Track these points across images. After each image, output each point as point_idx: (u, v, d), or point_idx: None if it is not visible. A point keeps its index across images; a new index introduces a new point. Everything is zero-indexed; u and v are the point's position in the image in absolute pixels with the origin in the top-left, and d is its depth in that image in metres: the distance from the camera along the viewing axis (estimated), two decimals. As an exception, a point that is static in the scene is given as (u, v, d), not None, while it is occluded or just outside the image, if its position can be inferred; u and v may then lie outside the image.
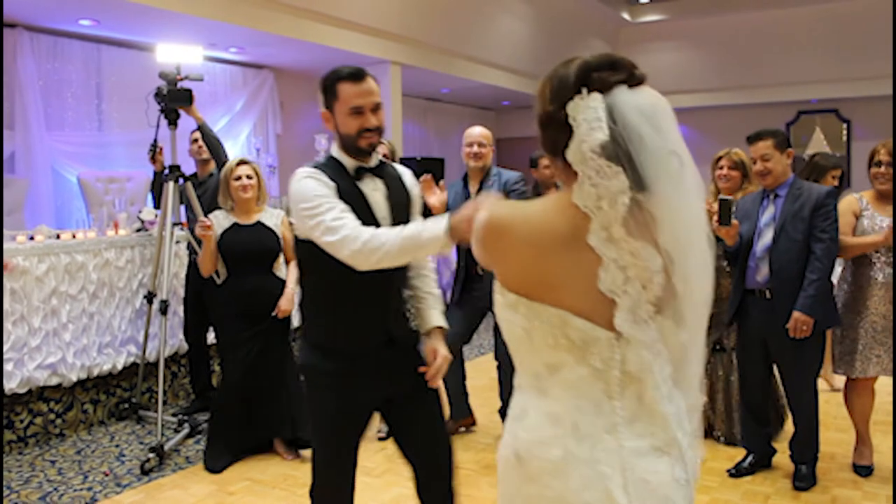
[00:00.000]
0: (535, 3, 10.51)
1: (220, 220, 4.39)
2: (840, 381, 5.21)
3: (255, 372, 4.30)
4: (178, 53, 5.12)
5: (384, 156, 4.60)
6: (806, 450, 3.91)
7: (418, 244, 2.12)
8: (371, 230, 2.18)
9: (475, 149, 4.55)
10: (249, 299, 4.33)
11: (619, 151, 1.31)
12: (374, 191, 2.41)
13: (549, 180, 5.36)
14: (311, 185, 2.30)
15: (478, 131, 4.61)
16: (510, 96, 12.10)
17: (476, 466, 4.27)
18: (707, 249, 1.39)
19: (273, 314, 4.33)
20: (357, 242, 2.15)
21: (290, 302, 4.36)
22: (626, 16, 12.69)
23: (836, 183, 4.90)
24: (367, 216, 2.32)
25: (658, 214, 1.34)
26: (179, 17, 6.30)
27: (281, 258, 4.52)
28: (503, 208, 1.45)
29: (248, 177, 4.38)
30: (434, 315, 2.56)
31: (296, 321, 5.09)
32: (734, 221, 3.82)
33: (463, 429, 4.86)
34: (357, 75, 2.35)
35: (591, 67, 1.40)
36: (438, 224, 2.09)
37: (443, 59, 9.46)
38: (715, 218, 3.83)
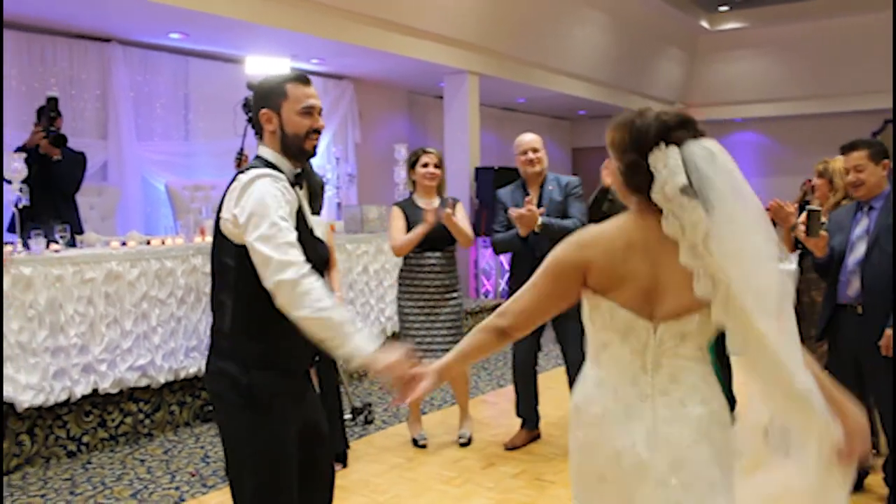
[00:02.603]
0: (613, 11, 10.43)
1: None
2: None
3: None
4: (266, 65, 5.26)
5: (435, 165, 4.67)
6: (901, 472, 3.77)
7: (337, 337, 2.05)
8: (315, 283, 2.09)
9: (530, 155, 4.63)
10: None
11: (693, 191, 1.72)
12: (304, 198, 2.39)
13: None
14: (274, 198, 2.16)
15: (529, 138, 4.70)
16: (586, 106, 12.03)
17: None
18: (766, 247, 1.74)
19: None
20: (295, 290, 2.06)
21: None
22: (704, 24, 12.48)
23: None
24: (305, 230, 2.29)
25: (719, 230, 1.72)
26: (264, 30, 6.46)
27: None
28: (589, 229, 1.90)
29: None
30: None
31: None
32: (822, 233, 3.72)
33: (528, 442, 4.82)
34: (305, 79, 2.35)
35: (670, 127, 1.78)
36: (366, 347, 2.05)
37: (520, 69, 9.47)
38: (803, 228, 3.74)
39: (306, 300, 2.06)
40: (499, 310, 1.95)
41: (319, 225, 4.52)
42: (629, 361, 1.83)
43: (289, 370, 2.31)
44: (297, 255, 2.11)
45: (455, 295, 4.75)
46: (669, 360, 1.81)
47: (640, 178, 1.79)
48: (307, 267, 2.10)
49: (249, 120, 5.06)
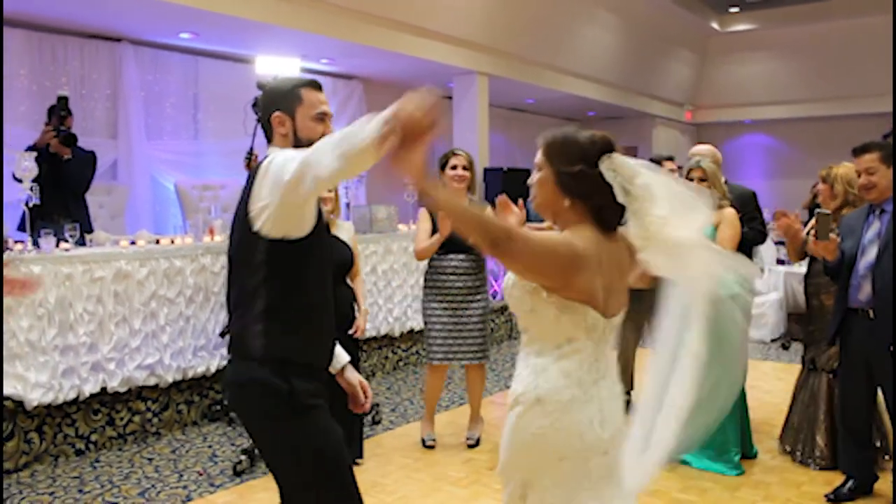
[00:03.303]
0: (622, 12, 10.41)
1: None
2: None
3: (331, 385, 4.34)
4: (276, 65, 5.27)
5: (464, 167, 4.66)
6: (911, 477, 3.75)
7: (354, 132, 2.02)
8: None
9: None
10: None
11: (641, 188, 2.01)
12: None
13: None
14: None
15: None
16: (596, 107, 12.01)
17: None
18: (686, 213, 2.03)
19: (350, 332, 4.26)
20: (315, 152, 2.04)
21: (365, 321, 4.38)
22: (715, 25, 12.45)
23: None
24: (322, 228, 2.31)
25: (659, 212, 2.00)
26: (274, 30, 6.48)
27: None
28: (582, 236, 2.03)
29: (329, 189, 4.45)
30: (340, 351, 2.52)
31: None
32: (832, 236, 3.70)
33: None
34: (319, 85, 2.36)
35: (608, 142, 2.07)
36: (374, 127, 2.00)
37: (529, 70, 9.46)
38: (812, 232, 3.72)
39: (328, 148, 2.00)
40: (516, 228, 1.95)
41: (346, 229, 4.53)
42: (590, 352, 2.07)
43: (320, 368, 2.33)
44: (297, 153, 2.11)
45: (480, 298, 4.72)
46: (606, 348, 2.13)
47: (586, 186, 2.04)
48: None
49: (259, 120, 5.07)
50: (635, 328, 5.19)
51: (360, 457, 4.43)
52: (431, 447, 4.75)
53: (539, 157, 2.11)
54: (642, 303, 5.12)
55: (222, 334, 5.21)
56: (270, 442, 2.26)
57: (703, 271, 1.99)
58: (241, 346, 2.26)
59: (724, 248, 4.13)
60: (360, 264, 5.75)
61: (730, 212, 4.28)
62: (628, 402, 5.00)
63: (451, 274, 4.65)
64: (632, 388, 5.02)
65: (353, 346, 4.34)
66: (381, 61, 8.09)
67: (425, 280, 4.80)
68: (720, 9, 12.21)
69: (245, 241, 2.22)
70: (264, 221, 2.16)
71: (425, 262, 4.80)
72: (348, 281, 4.40)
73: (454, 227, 2.09)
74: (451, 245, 4.57)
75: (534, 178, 2.13)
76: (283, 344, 2.22)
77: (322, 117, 2.33)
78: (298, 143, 2.29)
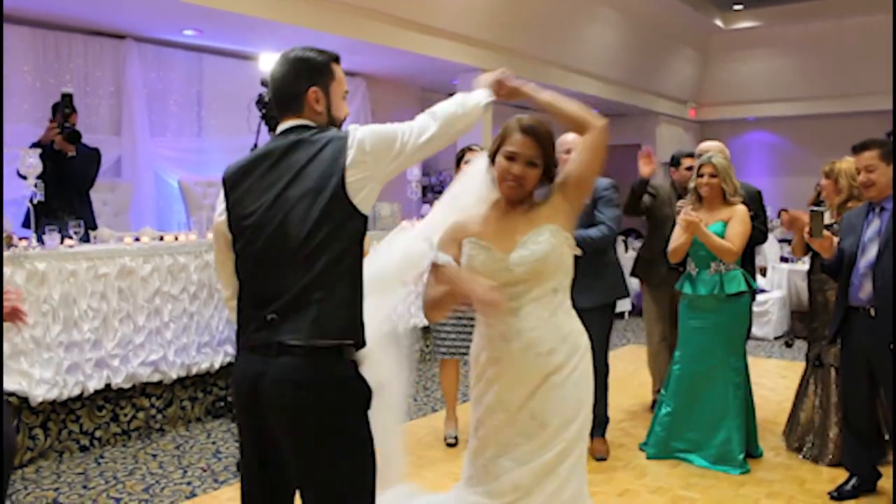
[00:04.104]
0: (626, 9, 10.40)
1: None
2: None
3: None
4: (280, 62, 5.26)
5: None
6: (914, 475, 3.75)
7: (461, 102, 2.33)
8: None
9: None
10: None
11: None
12: None
13: (685, 181, 4.95)
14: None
15: (571, 138, 4.55)
16: (599, 104, 11.96)
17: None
18: None
19: None
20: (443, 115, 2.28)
21: None
22: (718, 22, 12.42)
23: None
24: None
25: None
26: (278, 27, 6.48)
27: None
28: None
29: None
30: None
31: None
32: (826, 233, 3.70)
33: None
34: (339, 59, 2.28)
35: None
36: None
37: (532, 67, 9.44)
38: (807, 230, 3.73)
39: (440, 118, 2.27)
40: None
41: None
42: None
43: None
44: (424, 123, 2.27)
45: None
46: None
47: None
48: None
49: (263, 116, 5.08)
50: (660, 322, 5.21)
51: None
52: (453, 445, 4.68)
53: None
54: (663, 299, 5.16)
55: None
56: (337, 445, 2.04)
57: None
58: (319, 335, 2.02)
59: (734, 244, 4.14)
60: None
61: (741, 208, 4.26)
62: (654, 402, 5.01)
63: None
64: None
65: None
66: (385, 58, 8.08)
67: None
68: (724, 6, 12.18)
69: (328, 219, 2.04)
70: (366, 195, 2.10)
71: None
72: None
73: (555, 114, 2.55)
74: None
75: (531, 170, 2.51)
76: (361, 331, 2.11)
77: (345, 96, 2.26)
78: (333, 123, 2.22)
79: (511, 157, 2.44)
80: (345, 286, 2.07)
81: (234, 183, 2.19)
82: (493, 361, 2.51)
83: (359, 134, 2.12)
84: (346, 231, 2.07)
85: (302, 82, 2.17)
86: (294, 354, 2.01)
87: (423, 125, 2.19)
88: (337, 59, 2.24)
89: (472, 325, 4.68)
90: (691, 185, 4.39)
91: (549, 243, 2.43)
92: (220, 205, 2.22)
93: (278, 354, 2.03)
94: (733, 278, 4.23)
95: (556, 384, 2.44)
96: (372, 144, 2.11)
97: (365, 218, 2.11)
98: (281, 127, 2.22)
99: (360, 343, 2.11)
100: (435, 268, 2.44)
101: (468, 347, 4.62)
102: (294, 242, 2.04)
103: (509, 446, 2.46)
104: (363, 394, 2.09)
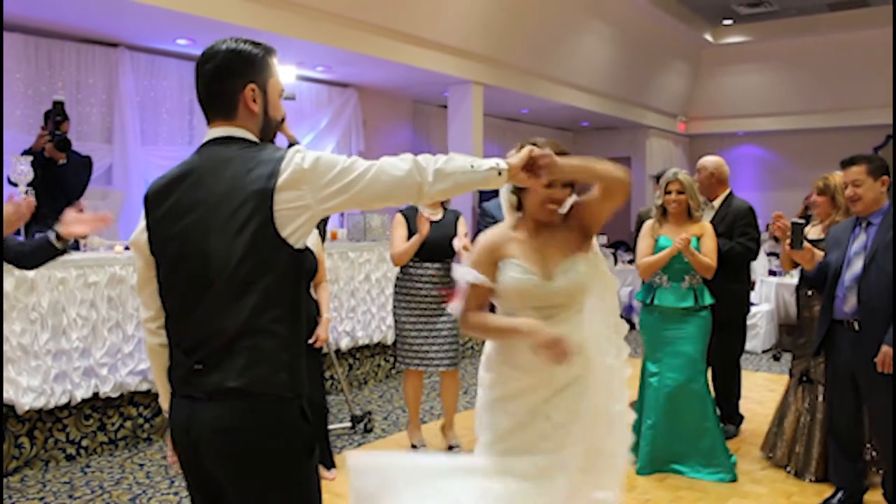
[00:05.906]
0: (617, 24, 10.47)
1: None
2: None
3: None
4: (272, 73, 5.27)
5: None
6: (900, 488, 3.76)
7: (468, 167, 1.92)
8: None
9: None
10: None
11: None
12: None
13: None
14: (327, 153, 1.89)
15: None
16: (589, 117, 12.05)
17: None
18: None
19: (309, 341, 4.10)
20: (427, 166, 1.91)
21: (326, 331, 4.22)
22: (708, 37, 12.52)
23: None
24: None
25: None
26: (270, 38, 6.44)
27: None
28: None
29: None
30: None
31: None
32: (806, 245, 3.76)
33: None
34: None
35: None
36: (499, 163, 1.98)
37: (524, 80, 9.50)
38: (787, 241, 3.78)
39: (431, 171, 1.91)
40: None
41: (312, 234, 4.48)
42: None
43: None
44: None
45: None
46: None
47: None
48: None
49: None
50: None
51: (333, 466, 4.39)
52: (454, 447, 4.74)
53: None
54: None
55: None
56: (278, 493, 1.87)
57: None
58: (254, 382, 1.81)
59: (711, 259, 4.27)
60: (354, 272, 5.72)
61: (708, 225, 4.51)
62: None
63: (427, 282, 4.65)
64: None
65: (316, 358, 4.27)
66: (377, 70, 8.11)
67: (396, 287, 4.77)
68: (714, 21, 12.28)
69: (253, 253, 1.80)
70: (298, 227, 1.84)
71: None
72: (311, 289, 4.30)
73: (588, 179, 2.39)
74: (428, 253, 4.58)
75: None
76: (301, 376, 1.88)
77: (282, 94, 2.02)
78: (267, 126, 1.97)
79: (550, 183, 2.43)
80: (281, 328, 1.83)
81: (155, 202, 1.94)
82: (543, 386, 2.50)
83: (298, 155, 1.84)
84: (277, 266, 1.82)
85: (236, 79, 1.91)
86: (225, 400, 1.82)
87: (389, 163, 1.89)
88: (274, 52, 1.98)
89: (440, 338, 4.77)
90: (657, 201, 4.49)
91: (586, 274, 2.51)
92: (142, 221, 1.98)
93: (210, 400, 1.84)
94: (704, 290, 4.44)
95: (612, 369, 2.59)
96: (311, 164, 1.82)
97: (300, 252, 1.86)
98: (209, 134, 1.95)
99: (300, 393, 1.88)
100: (473, 288, 2.50)
101: (432, 358, 4.67)
102: (219, 277, 1.82)
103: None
104: (305, 436, 1.89)
